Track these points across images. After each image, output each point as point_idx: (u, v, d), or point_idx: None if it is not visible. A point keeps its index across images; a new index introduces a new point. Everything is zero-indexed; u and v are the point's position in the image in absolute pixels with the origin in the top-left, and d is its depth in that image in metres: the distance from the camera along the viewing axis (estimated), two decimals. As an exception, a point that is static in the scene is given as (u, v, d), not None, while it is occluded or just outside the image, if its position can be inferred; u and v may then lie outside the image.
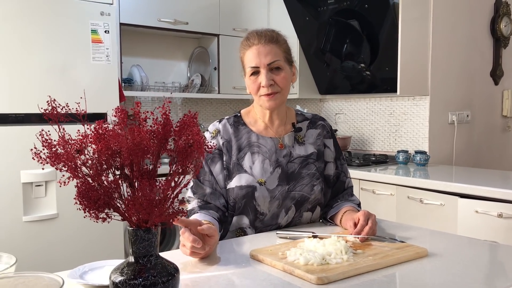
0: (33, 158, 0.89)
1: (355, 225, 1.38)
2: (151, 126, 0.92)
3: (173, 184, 0.92)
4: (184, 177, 0.91)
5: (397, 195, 2.77)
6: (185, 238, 1.19)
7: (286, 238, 1.44)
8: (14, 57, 2.34)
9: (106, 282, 1.08)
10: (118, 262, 1.20)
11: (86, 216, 0.86)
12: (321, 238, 1.34)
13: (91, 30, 2.56)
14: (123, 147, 0.87)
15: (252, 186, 1.52)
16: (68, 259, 2.47)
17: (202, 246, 1.19)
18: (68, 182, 0.91)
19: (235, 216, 1.53)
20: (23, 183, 2.36)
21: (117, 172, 0.92)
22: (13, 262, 0.98)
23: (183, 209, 0.91)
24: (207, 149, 0.90)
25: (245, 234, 1.54)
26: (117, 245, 2.67)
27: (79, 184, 0.85)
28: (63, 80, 2.48)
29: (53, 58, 2.45)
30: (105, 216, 0.87)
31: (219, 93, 3.76)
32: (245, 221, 1.53)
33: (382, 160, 3.34)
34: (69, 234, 2.50)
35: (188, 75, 3.94)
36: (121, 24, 3.15)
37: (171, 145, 0.95)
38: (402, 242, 1.33)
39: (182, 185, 0.91)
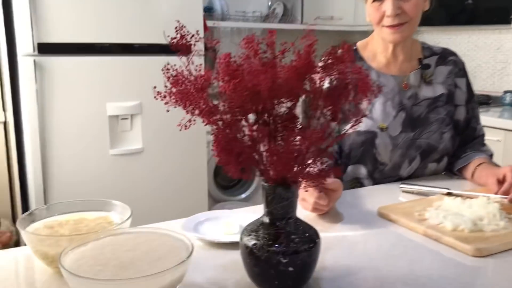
0: (155, 97, 0.74)
1: (500, 182, 1.17)
2: (294, 60, 0.74)
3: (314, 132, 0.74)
4: (337, 125, 0.74)
5: (505, 142, 2.48)
6: (308, 193, 1.03)
7: (411, 192, 1.26)
8: (97, -18, 2.19)
9: (225, 238, 0.95)
10: (236, 214, 1.07)
11: (226, 172, 0.71)
12: (463, 197, 1.14)
13: (175, -48, 2.36)
14: (264, 86, 0.70)
15: (372, 132, 1.32)
16: (154, 193, 2.44)
17: (327, 202, 1.04)
18: (189, 126, 0.76)
19: (351, 165, 1.35)
20: (109, 116, 2.30)
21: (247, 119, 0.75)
22: (128, 214, 0.87)
23: (334, 166, 0.74)
24: (374, 90, 0.71)
25: (361, 185, 1.36)
26: (201, 178, 2.60)
27: (216, 134, 0.69)
28: (146, 9, 2.32)
29: (136, -17, 2.28)
30: (246, 173, 0.72)
31: (301, 23, 3.48)
32: (363, 171, 1.35)
33: (484, 101, 3.01)
34: (154, 168, 2.45)
35: (269, 3, 3.67)
36: None
37: (306, 84, 0.76)
38: (562, 206, 1.11)
39: (335, 136, 0.74)
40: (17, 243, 2.31)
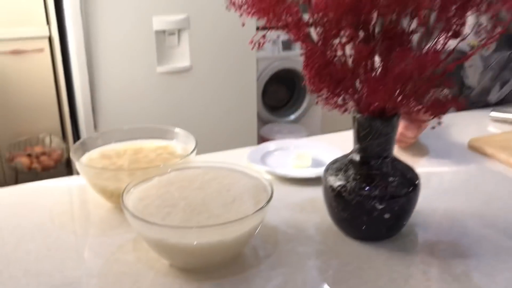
0: (227, 8, 0.60)
1: None
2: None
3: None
4: (458, 41, 0.59)
5: None
6: (393, 122, 0.89)
7: (504, 121, 1.10)
8: None
9: (299, 173, 0.85)
10: (307, 144, 0.96)
11: (318, 102, 0.58)
12: None
13: None
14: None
15: (460, 50, 1.14)
16: (202, 113, 2.35)
17: (415, 134, 0.91)
18: (263, 43, 0.62)
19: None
20: (156, 31, 2.16)
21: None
22: (192, 144, 0.77)
23: (454, 95, 0.60)
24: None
25: (443, 112, 1.21)
26: (250, 98, 2.48)
27: (308, 54, 0.55)
28: None
29: None
30: (342, 103, 0.59)
31: None
32: (446, 96, 1.19)
33: None
34: (202, 87, 2.33)
35: None
36: None
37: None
38: None
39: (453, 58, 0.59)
40: (68, 160, 2.32)
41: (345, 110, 0.59)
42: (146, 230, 0.57)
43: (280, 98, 3.02)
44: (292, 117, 2.97)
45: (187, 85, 2.31)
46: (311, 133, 2.85)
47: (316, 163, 0.88)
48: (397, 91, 0.59)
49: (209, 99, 2.37)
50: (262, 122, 2.84)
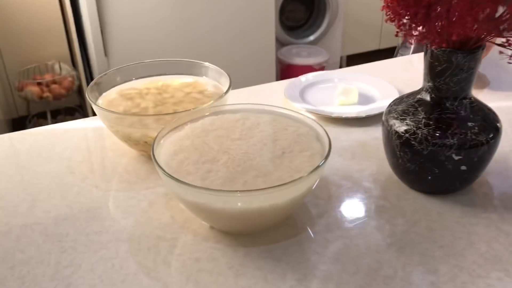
0: None
1: None
2: None
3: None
4: None
5: None
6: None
7: None
8: None
9: (346, 112, 0.74)
10: (352, 76, 0.84)
11: (398, 34, 0.46)
12: None
13: None
14: None
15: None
16: (217, 35, 2.20)
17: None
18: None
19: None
20: None
21: None
22: (225, 82, 0.66)
23: None
24: None
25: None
26: (268, 17, 2.30)
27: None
28: None
29: None
30: (421, 35, 0.47)
31: None
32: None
33: None
34: (216, 7, 2.16)
35: None
36: None
37: None
38: None
39: None
40: (79, 87, 2.22)
41: (435, 43, 0.47)
42: (184, 193, 0.48)
43: (298, 17, 2.82)
44: (311, 38, 2.79)
45: (200, 5, 2.14)
46: (331, 55, 2.69)
47: (362, 100, 0.77)
48: (489, 15, 0.47)
49: (224, 18, 2.21)
50: (279, 43, 2.67)
